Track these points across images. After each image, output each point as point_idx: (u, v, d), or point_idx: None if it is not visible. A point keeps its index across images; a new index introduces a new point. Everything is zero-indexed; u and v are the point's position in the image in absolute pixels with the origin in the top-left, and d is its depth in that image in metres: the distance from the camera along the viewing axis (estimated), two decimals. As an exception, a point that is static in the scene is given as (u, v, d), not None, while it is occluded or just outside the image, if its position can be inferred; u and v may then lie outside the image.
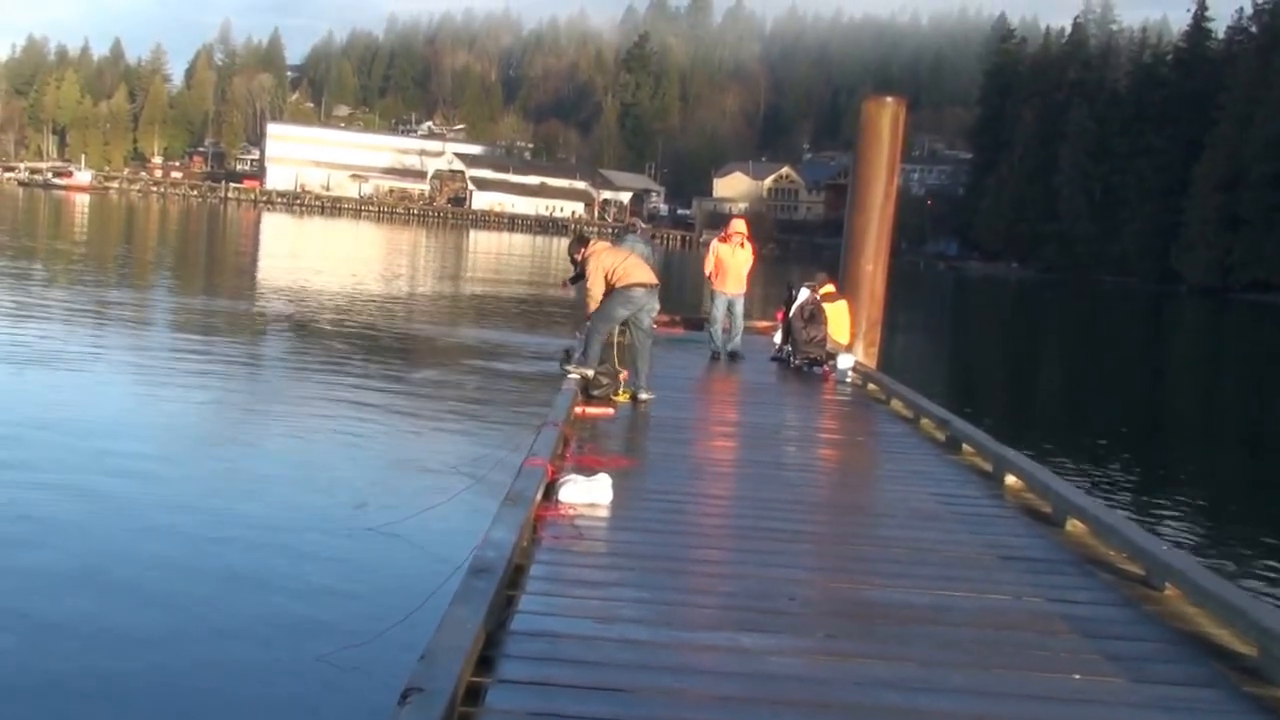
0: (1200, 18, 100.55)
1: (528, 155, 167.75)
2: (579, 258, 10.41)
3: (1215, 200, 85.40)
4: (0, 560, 7.33)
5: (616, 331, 10.85)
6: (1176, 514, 11.90)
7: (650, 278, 10.40)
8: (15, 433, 10.92)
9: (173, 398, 13.66)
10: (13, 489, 8.86)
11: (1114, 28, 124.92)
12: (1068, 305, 61.72)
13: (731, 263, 14.00)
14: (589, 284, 10.20)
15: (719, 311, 14.00)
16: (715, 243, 14.48)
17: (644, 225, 17.15)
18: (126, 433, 11.47)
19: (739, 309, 14.14)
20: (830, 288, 14.26)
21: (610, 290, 10.09)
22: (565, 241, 10.94)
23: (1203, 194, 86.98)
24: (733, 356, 13.83)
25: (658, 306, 10.76)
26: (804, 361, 13.45)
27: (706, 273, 14.34)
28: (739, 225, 14.54)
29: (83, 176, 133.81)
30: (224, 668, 5.92)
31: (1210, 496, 13.74)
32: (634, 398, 10.03)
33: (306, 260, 45.88)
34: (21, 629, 6.27)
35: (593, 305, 10.21)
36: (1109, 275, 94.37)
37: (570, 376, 10.10)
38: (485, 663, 3.97)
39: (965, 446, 8.91)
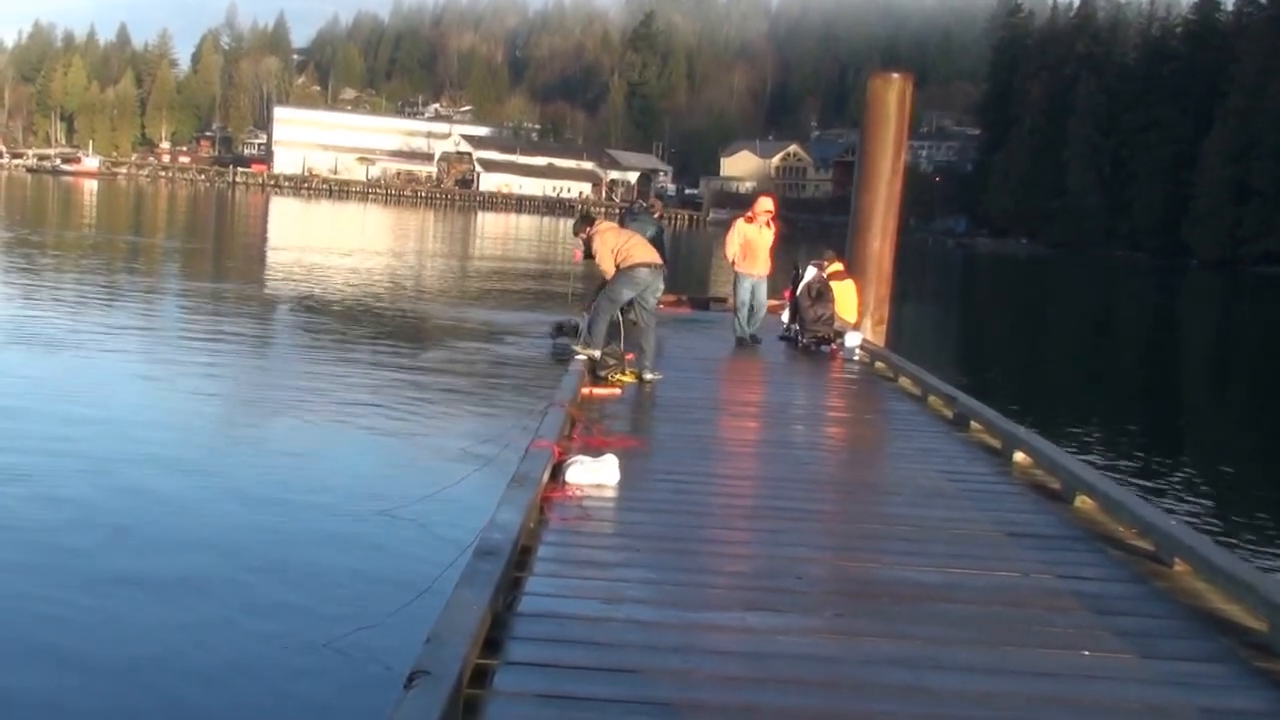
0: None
1: (535, 136, 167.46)
2: (584, 237, 10.42)
3: (1225, 173, 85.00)
4: (14, 539, 7.35)
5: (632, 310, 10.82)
6: (1186, 489, 11.85)
7: (654, 257, 10.43)
8: (27, 414, 10.96)
9: (180, 381, 13.66)
10: (23, 471, 8.88)
11: (1122, 0, 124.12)
12: (1077, 281, 61.50)
13: (759, 243, 13.58)
14: (600, 263, 10.25)
15: (746, 295, 13.49)
16: (741, 223, 13.83)
17: (646, 204, 16.91)
18: (133, 414, 11.47)
19: (762, 292, 13.64)
20: (838, 266, 14.18)
21: (615, 269, 10.13)
22: (573, 222, 10.92)
23: (1213, 167, 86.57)
24: (752, 339, 13.48)
25: (662, 286, 10.77)
26: (811, 340, 13.41)
27: (730, 256, 13.69)
28: (767, 204, 13.88)
29: (91, 162, 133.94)
30: (229, 651, 5.92)
31: (1221, 472, 13.70)
32: (640, 378, 10.05)
33: (315, 243, 45.87)
34: (30, 607, 6.30)
35: (608, 270, 10.27)
36: (1119, 250, 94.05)
37: (577, 357, 10.13)
38: (492, 645, 3.96)
39: (974, 423, 8.90)
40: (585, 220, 10.63)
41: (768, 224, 13.71)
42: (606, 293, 10.31)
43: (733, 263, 13.73)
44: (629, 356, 10.43)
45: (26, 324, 17.34)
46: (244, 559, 7.30)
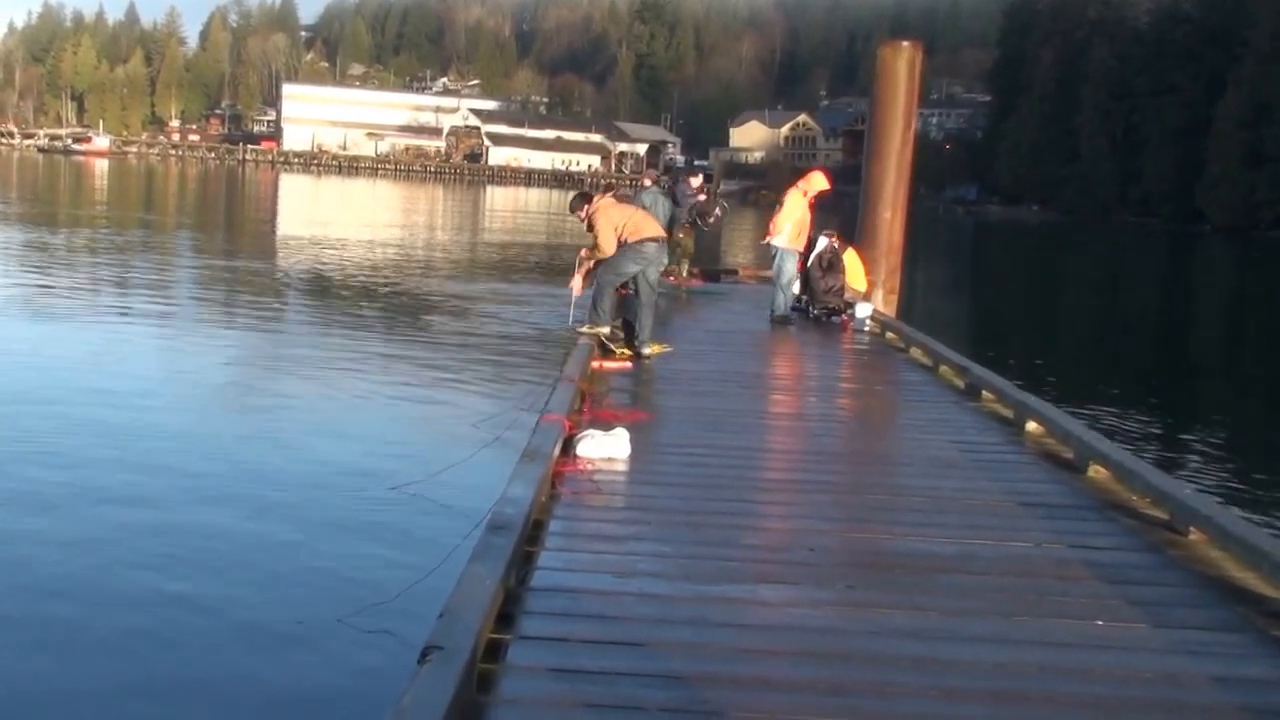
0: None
1: (543, 110, 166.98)
2: (583, 215, 10.17)
3: (1239, 137, 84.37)
4: (26, 514, 7.39)
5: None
6: (1201, 457, 11.82)
7: (660, 232, 10.34)
8: (41, 389, 11.01)
9: (191, 357, 13.69)
10: (36, 445, 8.92)
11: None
12: (1090, 248, 61.22)
13: (806, 220, 13.20)
14: (600, 240, 10.02)
15: (795, 271, 13.11)
16: (800, 197, 13.15)
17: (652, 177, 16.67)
18: (142, 392, 11.48)
19: None
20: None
21: (620, 245, 10.01)
22: (570, 200, 10.70)
23: (1226, 131, 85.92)
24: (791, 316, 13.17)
25: (666, 261, 10.70)
26: (822, 311, 13.38)
27: (782, 229, 13.01)
28: (823, 181, 13.37)
29: (101, 141, 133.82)
30: (243, 628, 5.94)
31: (1235, 439, 13.64)
32: (637, 354, 9.93)
33: (325, 219, 45.84)
34: (43, 581, 6.33)
35: (606, 250, 10.07)
36: (1131, 217, 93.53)
37: (584, 336, 10.06)
38: (505, 619, 3.97)
39: (985, 393, 8.87)
40: (583, 198, 10.31)
41: (811, 201, 13.33)
42: (610, 266, 10.17)
43: (771, 236, 13.17)
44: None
45: (40, 301, 17.40)
46: (255, 536, 7.32)
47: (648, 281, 10.17)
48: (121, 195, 58.23)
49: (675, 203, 15.54)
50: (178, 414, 10.69)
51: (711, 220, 17.21)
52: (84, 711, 5.14)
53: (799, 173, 14.61)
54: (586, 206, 10.12)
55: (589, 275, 10.56)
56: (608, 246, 9.99)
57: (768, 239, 13.29)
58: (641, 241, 10.01)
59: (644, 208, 13.43)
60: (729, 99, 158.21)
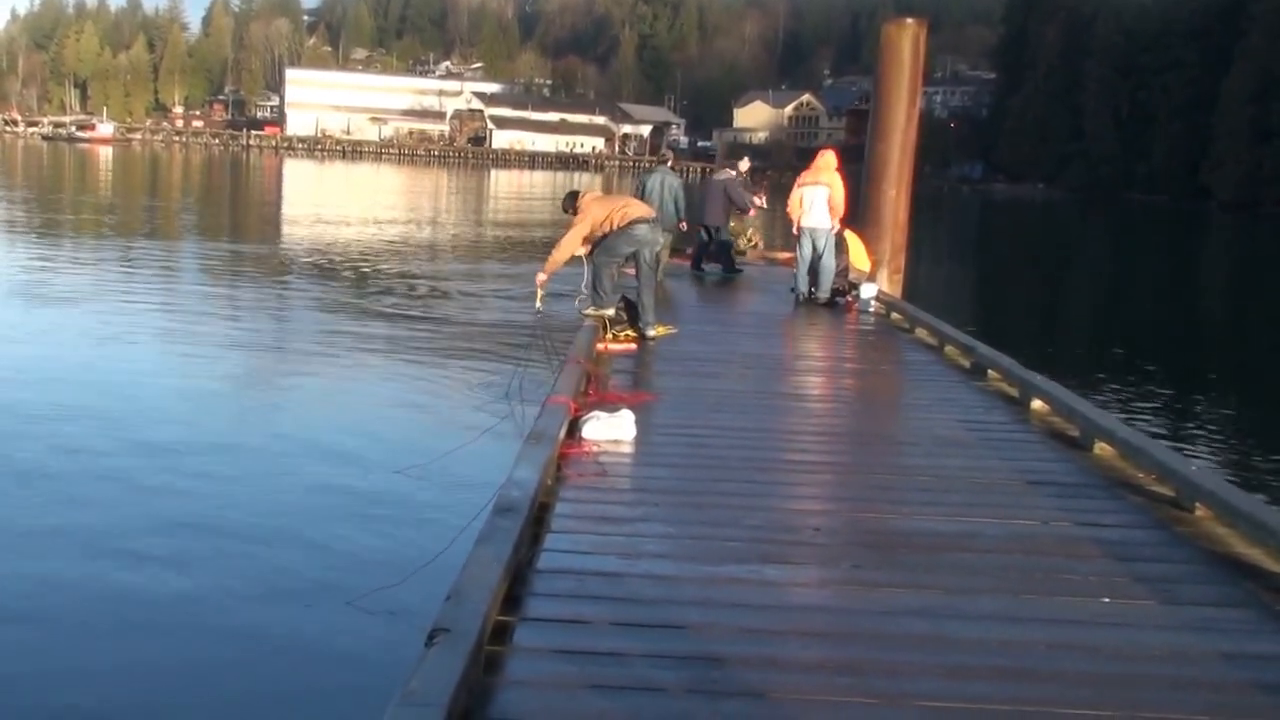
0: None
1: (546, 92, 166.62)
2: (574, 212, 10.30)
3: (1245, 113, 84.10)
4: (36, 501, 7.41)
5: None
6: (1207, 433, 11.81)
7: (648, 212, 10.42)
8: (48, 377, 11.04)
9: (197, 342, 13.70)
10: (44, 433, 8.94)
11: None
12: (1095, 225, 61.04)
13: None
14: (566, 237, 10.10)
15: None
16: (841, 180, 13.07)
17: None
18: (148, 378, 11.51)
19: None
20: None
21: (612, 230, 10.07)
22: (586, 178, 10.75)
23: (1232, 107, 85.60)
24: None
25: (662, 240, 10.71)
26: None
27: (838, 215, 12.92)
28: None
29: (105, 129, 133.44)
30: (252, 613, 5.97)
31: (1240, 415, 13.62)
32: (642, 336, 9.95)
33: (329, 205, 45.83)
34: (59, 568, 6.36)
35: (557, 259, 10.10)
36: (1137, 194, 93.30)
37: (587, 320, 10.06)
38: (512, 601, 3.98)
39: (991, 372, 8.86)
40: (574, 197, 10.48)
41: None
42: (604, 249, 10.24)
43: (797, 217, 13.04)
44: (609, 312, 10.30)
45: (48, 289, 17.42)
46: (263, 520, 7.34)
47: (646, 263, 10.24)
48: (127, 183, 58.21)
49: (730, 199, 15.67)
50: (180, 400, 10.71)
51: (760, 199, 17.32)
52: (94, 694, 5.17)
53: (801, 153, 14.58)
54: (576, 204, 10.32)
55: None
56: (569, 244, 10.10)
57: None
58: (631, 224, 10.13)
59: (645, 188, 13.51)
60: (732, 79, 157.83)
